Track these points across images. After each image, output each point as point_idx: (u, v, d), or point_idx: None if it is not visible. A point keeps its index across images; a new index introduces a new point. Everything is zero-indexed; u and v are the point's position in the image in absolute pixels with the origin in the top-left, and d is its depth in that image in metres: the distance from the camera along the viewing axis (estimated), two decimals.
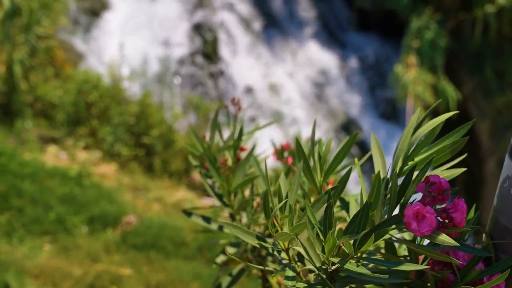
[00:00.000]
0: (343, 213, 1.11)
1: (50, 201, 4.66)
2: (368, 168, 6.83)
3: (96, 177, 5.57)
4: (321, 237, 0.84)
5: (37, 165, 5.15)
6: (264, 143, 1.40)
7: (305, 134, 8.13)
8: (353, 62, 9.32)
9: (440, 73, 8.13)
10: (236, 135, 1.28)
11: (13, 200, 4.51)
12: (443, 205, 0.80)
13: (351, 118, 8.72)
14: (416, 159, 0.97)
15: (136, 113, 6.81)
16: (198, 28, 8.73)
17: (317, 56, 9.27)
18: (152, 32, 8.80)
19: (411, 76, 7.88)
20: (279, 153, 1.60)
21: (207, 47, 8.59)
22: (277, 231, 0.88)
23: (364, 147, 8.32)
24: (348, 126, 8.56)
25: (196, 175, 6.45)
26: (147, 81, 7.97)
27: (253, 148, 1.25)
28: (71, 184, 5.09)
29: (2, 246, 4.12)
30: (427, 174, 0.88)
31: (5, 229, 4.30)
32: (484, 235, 0.93)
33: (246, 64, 8.61)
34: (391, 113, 8.81)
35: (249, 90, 8.39)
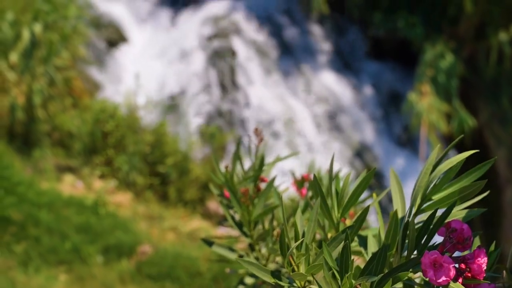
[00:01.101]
0: (361, 248, 1.10)
1: (66, 231, 4.68)
2: (385, 198, 6.78)
3: (111, 206, 5.59)
4: (338, 278, 0.83)
5: (54, 194, 5.19)
6: (278, 170, 1.40)
7: (320, 161, 8.09)
8: (368, 90, 9.34)
9: (455, 101, 8.10)
10: (257, 166, 1.30)
11: (30, 229, 4.54)
12: (464, 252, 0.78)
13: (366, 145, 8.69)
14: (435, 197, 0.96)
15: (152, 142, 6.87)
16: (214, 58, 8.84)
17: (331, 84, 9.31)
18: (168, 62, 8.93)
19: (425, 104, 7.86)
20: (299, 183, 1.60)
21: (222, 77, 8.68)
22: (293, 270, 0.88)
23: (379, 175, 8.26)
24: (363, 154, 8.53)
25: (211, 204, 6.45)
26: (163, 110, 8.05)
27: (273, 180, 1.26)
28: (87, 213, 5.12)
29: (18, 276, 4.13)
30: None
31: (22, 259, 4.31)
32: (504, 272, 0.92)
33: (262, 93, 8.67)
34: (406, 140, 8.77)
35: (264, 119, 8.42)
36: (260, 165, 1.27)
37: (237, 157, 1.32)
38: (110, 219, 5.15)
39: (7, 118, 5.58)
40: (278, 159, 1.35)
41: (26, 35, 5.05)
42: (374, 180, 8.00)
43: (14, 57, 5.31)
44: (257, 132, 1.37)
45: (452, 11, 8.47)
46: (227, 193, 1.27)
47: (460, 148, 8.16)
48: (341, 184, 1.17)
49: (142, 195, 6.41)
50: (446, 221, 0.86)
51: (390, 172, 1.05)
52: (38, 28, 5.29)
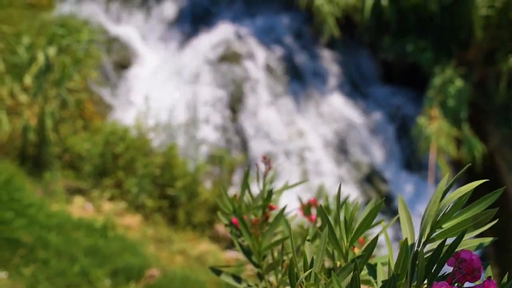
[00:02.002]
0: (370, 277, 1.09)
1: (75, 253, 4.68)
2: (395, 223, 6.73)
3: (120, 229, 5.59)
4: None
5: (63, 216, 5.21)
6: (286, 193, 1.40)
7: (329, 184, 8.07)
8: (377, 114, 9.34)
9: (465, 126, 8.08)
10: (265, 195, 1.30)
11: (39, 252, 4.54)
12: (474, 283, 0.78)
13: (375, 168, 8.65)
14: (445, 226, 0.96)
15: (161, 164, 6.89)
16: (223, 81, 8.91)
17: (340, 108, 9.33)
18: (178, 84, 9.01)
19: (434, 128, 7.84)
20: (306, 209, 1.60)
21: (232, 99, 8.73)
22: None
23: (388, 199, 8.21)
24: (372, 177, 8.49)
25: (220, 227, 6.43)
26: (173, 132, 8.10)
27: (283, 210, 1.26)
28: (96, 236, 5.12)
29: None
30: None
31: (30, 282, 4.31)
32: None
33: (271, 116, 8.70)
34: (415, 164, 8.73)
35: (273, 141, 8.44)
36: (268, 194, 1.28)
37: (245, 186, 1.32)
38: (118, 242, 5.15)
39: (19, 140, 5.64)
40: (286, 186, 1.35)
41: (40, 58, 5.14)
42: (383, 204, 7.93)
43: (28, 79, 5.40)
44: (265, 160, 1.37)
45: (462, 36, 8.51)
46: (235, 220, 1.27)
47: (470, 173, 8.13)
48: (349, 211, 1.17)
49: (151, 218, 6.41)
50: (456, 250, 0.85)
51: (398, 200, 1.05)
52: (52, 51, 5.38)
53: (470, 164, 1.05)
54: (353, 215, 1.09)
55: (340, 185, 1.12)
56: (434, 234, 0.96)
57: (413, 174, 8.74)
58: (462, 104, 8.08)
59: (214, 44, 9.55)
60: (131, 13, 10.50)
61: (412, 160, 8.77)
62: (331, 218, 1.06)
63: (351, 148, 8.80)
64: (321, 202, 1.58)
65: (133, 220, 6.16)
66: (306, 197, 1.66)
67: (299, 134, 8.66)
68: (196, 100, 8.75)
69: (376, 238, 0.97)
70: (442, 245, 0.84)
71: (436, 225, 0.96)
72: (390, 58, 9.43)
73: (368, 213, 1.05)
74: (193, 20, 10.38)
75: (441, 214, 0.96)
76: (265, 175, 1.34)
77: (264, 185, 1.33)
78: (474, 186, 0.95)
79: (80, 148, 6.58)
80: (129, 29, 10.13)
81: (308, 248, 0.95)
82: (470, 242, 0.94)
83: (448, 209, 0.96)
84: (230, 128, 8.47)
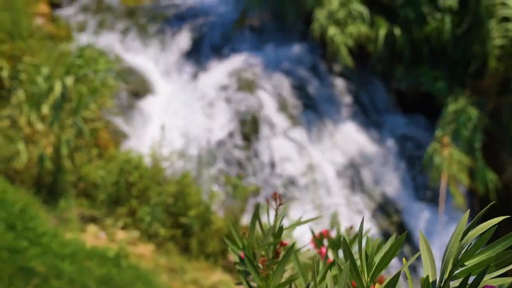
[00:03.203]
0: None
1: (88, 283, 4.67)
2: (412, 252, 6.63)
3: (133, 258, 5.58)
4: None
5: (77, 245, 5.22)
6: (300, 226, 1.39)
7: (342, 214, 8.01)
8: (390, 143, 9.32)
9: (478, 155, 8.01)
10: (275, 231, 1.29)
11: (52, 281, 4.54)
12: None
13: (388, 198, 8.58)
14: (467, 263, 0.95)
15: (175, 193, 6.90)
16: (237, 110, 8.98)
17: (354, 137, 9.32)
18: (192, 113, 9.09)
19: (446, 156, 7.79)
20: (318, 241, 1.58)
21: (246, 128, 8.77)
22: None
23: (402, 229, 8.11)
24: (385, 206, 8.42)
25: (233, 257, 6.38)
26: (187, 161, 8.13)
27: (292, 246, 1.25)
28: (109, 265, 5.11)
29: None
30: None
31: None
32: None
33: (284, 145, 8.71)
34: (429, 194, 8.64)
35: (286, 171, 8.43)
36: (279, 231, 1.27)
37: (255, 223, 1.32)
38: (131, 272, 5.13)
39: (35, 169, 5.70)
40: (298, 222, 1.34)
41: (58, 88, 5.24)
42: (397, 234, 7.84)
43: (45, 109, 5.49)
44: (276, 196, 1.36)
45: (475, 66, 8.52)
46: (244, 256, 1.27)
47: (483, 202, 8.00)
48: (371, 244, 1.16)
49: (164, 247, 6.39)
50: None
51: (419, 235, 1.05)
52: (69, 81, 5.48)
53: (493, 202, 1.05)
54: (374, 251, 1.08)
55: (362, 220, 1.11)
56: (456, 272, 0.95)
57: (427, 203, 8.66)
58: (475, 133, 8.04)
59: (227, 74, 9.65)
60: (146, 44, 10.69)
61: (427, 190, 8.69)
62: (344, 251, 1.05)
63: (364, 177, 8.75)
64: (333, 233, 1.57)
65: (146, 249, 6.15)
66: (318, 227, 1.65)
67: (312, 163, 8.65)
68: (209, 129, 8.80)
69: (399, 274, 0.96)
70: (465, 282, 0.83)
71: (458, 262, 0.95)
72: (403, 87, 9.45)
73: (390, 247, 1.05)
74: (208, 50, 10.54)
75: (462, 252, 0.95)
76: (276, 212, 1.34)
77: (275, 222, 1.32)
78: (495, 223, 0.95)
79: (94, 176, 6.63)
80: (145, 59, 10.29)
81: (329, 281, 0.94)
82: (491, 281, 0.93)
83: (470, 246, 0.95)
84: (243, 157, 8.48)
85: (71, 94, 5.78)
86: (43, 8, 10.01)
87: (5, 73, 5.45)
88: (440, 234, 7.96)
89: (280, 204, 1.33)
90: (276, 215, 1.32)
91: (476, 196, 8.07)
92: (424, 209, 8.50)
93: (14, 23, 6.52)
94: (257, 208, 1.35)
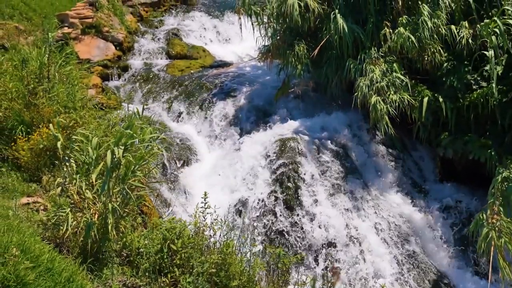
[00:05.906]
0: None
1: None
2: None
3: None
4: None
5: None
6: None
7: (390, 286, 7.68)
8: (437, 213, 9.03)
9: None
10: None
11: None
12: None
13: (441, 272, 8.20)
14: None
15: (217, 262, 6.80)
16: (280, 178, 8.96)
17: (399, 206, 9.10)
18: (236, 181, 9.12)
19: (495, 226, 7.45)
20: None
21: (288, 196, 8.71)
22: None
23: None
24: (439, 283, 8.02)
25: None
26: (229, 229, 8.07)
27: None
28: None
29: None
30: None
31: None
32: None
33: (327, 213, 8.57)
34: (485, 268, 8.22)
35: (330, 240, 8.23)
36: None
37: None
38: None
39: (81, 237, 5.76)
40: None
41: (108, 157, 5.39)
42: None
43: (94, 177, 5.62)
44: (334, 270, 1.32)
45: None
46: None
47: None
48: None
49: None
50: None
51: None
52: (119, 151, 5.63)
53: None
54: None
55: None
56: None
57: (480, 276, 8.23)
58: None
59: (270, 142, 9.73)
60: (191, 112, 10.97)
61: (482, 263, 8.28)
62: None
63: (413, 248, 8.44)
64: None
65: None
66: None
67: (357, 232, 8.43)
68: (252, 196, 8.78)
69: None
70: None
71: None
72: (449, 154, 9.26)
73: None
74: (251, 118, 10.71)
75: None
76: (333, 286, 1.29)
77: None
78: None
79: (138, 244, 6.62)
80: (189, 127, 10.53)
81: None
82: None
83: None
84: (286, 225, 8.37)
85: (119, 163, 5.91)
86: (95, 79, 10.50)
87: (59, 144, 5.66)
88: None
89: (338, 279, 1.28)
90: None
91: None
92: (479, 283, 8.07)
93: (69, 96, 6.85)
94: (313, 282, 1.30)
